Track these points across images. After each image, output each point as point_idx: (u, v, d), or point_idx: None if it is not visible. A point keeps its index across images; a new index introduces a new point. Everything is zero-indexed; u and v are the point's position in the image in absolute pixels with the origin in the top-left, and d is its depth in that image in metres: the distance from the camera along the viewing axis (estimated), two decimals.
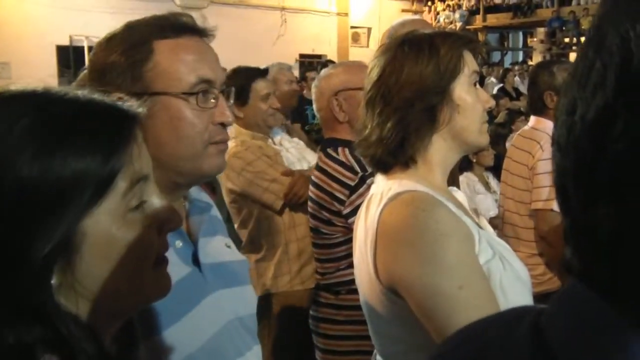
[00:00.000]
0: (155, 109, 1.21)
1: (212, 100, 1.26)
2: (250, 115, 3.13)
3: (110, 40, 1.24)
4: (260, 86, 3.15)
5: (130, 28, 1.26)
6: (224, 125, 1.28)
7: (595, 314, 0.44)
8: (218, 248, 1.38)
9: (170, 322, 1.18)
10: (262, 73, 3.25)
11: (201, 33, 1.29)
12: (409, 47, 1.45)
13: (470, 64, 1.47)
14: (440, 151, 1.46)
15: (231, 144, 3.04)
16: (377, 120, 1.45)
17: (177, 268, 1.20)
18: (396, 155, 1.45)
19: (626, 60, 0.40)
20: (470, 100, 1.45)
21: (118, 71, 1.21)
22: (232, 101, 1.33)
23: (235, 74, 3.20)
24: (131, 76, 1.21)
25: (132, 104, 0.88)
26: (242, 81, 3.11)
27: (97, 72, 1.24)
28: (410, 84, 1.42)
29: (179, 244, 1.26)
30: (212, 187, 3.56)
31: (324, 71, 2.59)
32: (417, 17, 3.20)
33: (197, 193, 1.42)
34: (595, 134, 0.42)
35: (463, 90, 1.45)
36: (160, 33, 1.24)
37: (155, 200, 0.87)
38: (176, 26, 1.26)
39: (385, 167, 1.48)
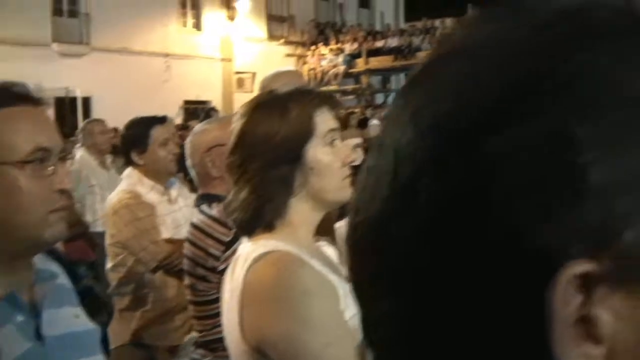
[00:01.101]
0: None
1: (50, 168, 1.25)
2: (150, 162, 3.22)
3: None
4: (158, 132, 3.25)
5: None
6: (63, 192, 1.28)
7: None
8: (65, 318, 1.35)
9: None
10: (160, 120, 3.35)
11: (35, 102, 1.29)
12: (262, 111, 1.48)
13: (325, 123, 1.49)
14: (300, 213, 1.49)
15: (125, 193, 3.16)
16: (235, 188, 1.47)
17: (16, 344, 1.18)
18: (256, 220, 1.47)
19: (397, 166, 0.43)
20: (325, 161, 1.48)
21: None
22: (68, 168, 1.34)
23: (133, 123, 3.37)
24: None
25: None
26: (140, 129, 3.26)
27: None
28: (262, 152, 1.44)
29: (19, 318, 1.23)
30: (92, 244, 3.55)
31: (197, 127, 2.61)
32: (291, 68, 3.31)
33: (43, 262, 1.39)
34: (377, 231, 0.45)
35: (317, 152, 1.47)
36: None
37: None
38: (8, 96, 1.26)
39: (248, 231, 1.50)
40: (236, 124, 1.51)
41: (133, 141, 3.26)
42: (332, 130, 1.52)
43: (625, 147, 0.38)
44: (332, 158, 1.49)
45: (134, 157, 3.24)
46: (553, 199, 0.38)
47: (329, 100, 1.55)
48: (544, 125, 0.39)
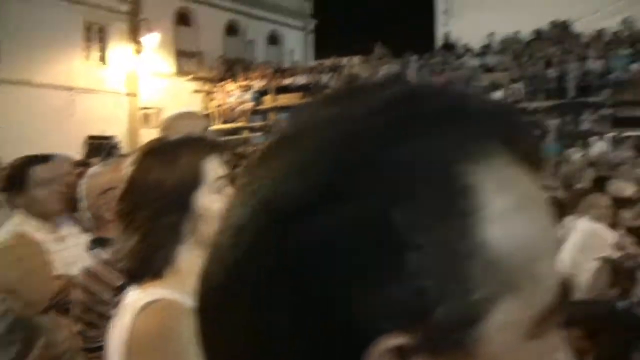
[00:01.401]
0: None
1: None
2: (29, 202, 3.11)
3: None
4: (37, 172, 3.13)
5: None
6: None
7: None
8: None
9: None
10: (42, 159, 3.23)
11: None
12: (152, 159, 1.49)
13: (214, 171, 1.52)
14: (189, 260, 1.49)
15: (8, 234, 3.01)
16: (125, 235, 1.47)
17: None
18: (144, 268, 1.46)
19: (235, 241, 0.47)
20: (214, 208, 1.49)
21: None
22: None
23: (13, 164, 3.26)
24: None
25: None
26: (19, 169, 3.14)
27: None
28: (151, 200, 1.45)
29: None
30: None
31: (92, 169, 2.58)
32: (192, 110, 3.31)
33: None
34: (219, 300, 0.48)
35: (206, 199, 1.49)
36: None
37: None
38: None
39: (137, 278, 1.49)
40: (127, 171, 1.51)
41: (12, 182, 3.18)
42: (221, 177, 1.54)
43: (439, 232, 0.42)
44: (220, 205, 1.51)
45: (15, 198, 3.16)
46: (364, 279, 0.41)
47: (218, 147, 1.58)
48: (360, 210, 0.42)
